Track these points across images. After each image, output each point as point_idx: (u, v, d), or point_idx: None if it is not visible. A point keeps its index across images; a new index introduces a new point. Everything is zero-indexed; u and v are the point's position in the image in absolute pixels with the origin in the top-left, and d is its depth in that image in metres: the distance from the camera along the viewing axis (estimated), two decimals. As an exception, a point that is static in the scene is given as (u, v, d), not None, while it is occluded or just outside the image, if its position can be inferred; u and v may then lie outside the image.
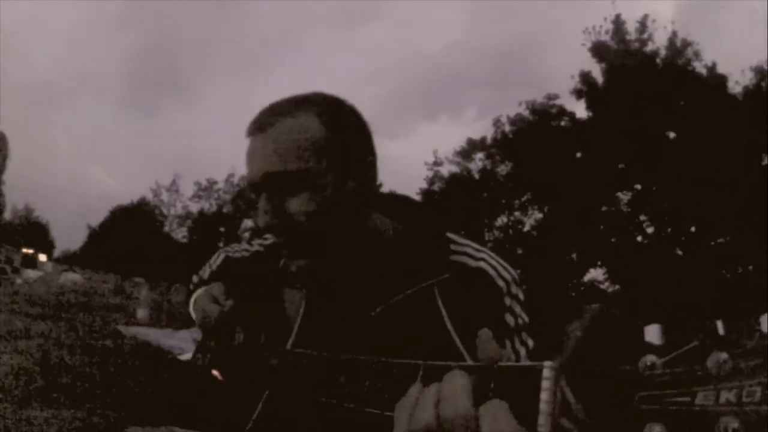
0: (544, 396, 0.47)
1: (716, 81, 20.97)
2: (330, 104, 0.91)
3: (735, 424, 0.37)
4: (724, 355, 0.39)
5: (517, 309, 0.92)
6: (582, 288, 23.56)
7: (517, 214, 26.44)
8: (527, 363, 0.54)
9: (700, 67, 21.89)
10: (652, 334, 0.48)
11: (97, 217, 41.24)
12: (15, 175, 6.97)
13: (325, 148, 0.87)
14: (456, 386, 0.53)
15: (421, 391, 0.56)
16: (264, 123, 0.89)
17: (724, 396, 0.38)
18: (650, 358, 0.43)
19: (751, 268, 18.93)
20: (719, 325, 0.43)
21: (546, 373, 0.48)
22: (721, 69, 21.41)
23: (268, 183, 0.87)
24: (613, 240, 22.56)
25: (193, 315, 1.00)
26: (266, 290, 0.98)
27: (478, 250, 0.95)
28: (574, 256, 23.72)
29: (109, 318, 6.53)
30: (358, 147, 0.91)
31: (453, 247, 0.94)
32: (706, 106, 19.59)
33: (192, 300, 1.02)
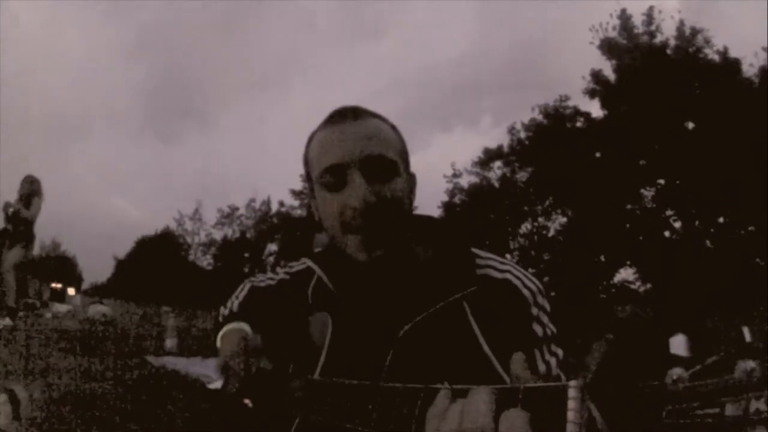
0: (571, 416, 0.47)
1: (730, 66, 20.71)
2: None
3: None
4: (751, 364, 0.38)
5: (545, 319, 0.92)
6: (613, 290, 23.23)
7: (540, 219, 26.29)
8: (552, 383, 0.53)
9: (712, 54, 21.68)
10: (678, 345, 0.47)
11: (123, 248, 42.00)
12: (42, 211, 7.15)
13: (402, 153, 0.95)
14: (478, 401, 0.54)
15: (449, 398, 0.58)
16: (354, 113, 0.93)
17: (754, 405, 0.37)
18: (677, 371, 0.43)
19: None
20: (746, 331, 0.41)
21: (572, 392, 0.47)
22: (733, 53, 21.18)
23: (367, 164, 0.88)
24: (640, 238, 22.24)
25: (219, 351, 0.98)
26: (293, 318, 0.98)
27: (502, 263, 0.96)
28: (602, 257, 23.43)
29: (138, 348, 6.59)
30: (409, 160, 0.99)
31: (478, 261, 0.95)
32: (722, 93, 19.33)
33: (219, 335, 1.00)
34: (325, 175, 0.90)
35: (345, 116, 0.92)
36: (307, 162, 0.98)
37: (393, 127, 0.96)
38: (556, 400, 0.48)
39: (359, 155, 0.87)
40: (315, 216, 0.99)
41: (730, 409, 0.38)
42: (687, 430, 0.40)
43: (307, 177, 0.99)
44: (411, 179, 0.97)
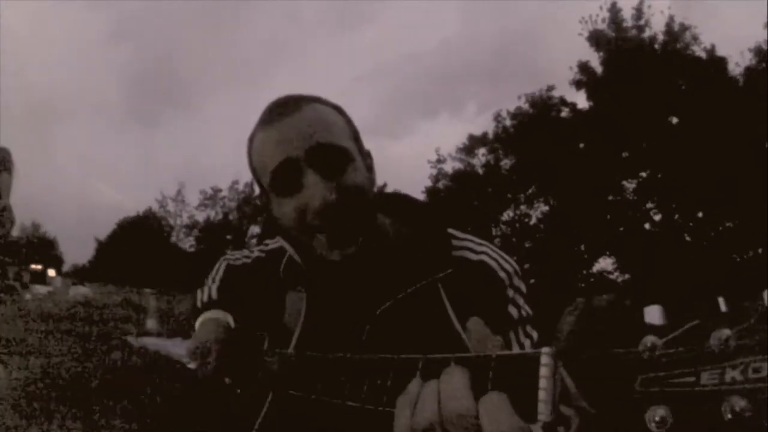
0: (543, 383, 0.46)
1: (716, 64, 20.90)
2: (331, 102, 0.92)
3: (742, 403, 0.34)
4: (727, 332, 0.37)
5: (520, 301, 0.92)
6: (592, 279, 23.49)
7: (523, 207, 26.44)
8: (524, 351, 0.52)
9: (699, 51, 21.84)
10: (653, 314, 0.46)
11: (105, 230, 41.53)
12: (21, 193, 7.05)
13: (349, 133, 0.88)
14: (456, 383, 0.52)
15: (421, 386, 0.55)
16: (290, 105, 0.85)
17: (730, 374, 0.36)
18: (651, 339, 0.41)
19: (760, 251, 18.83)
20: (721, 302, 0.41)
21: (544, 359, 0.46)
22: (720, 51, 21.38)
23: (317, 156, 0.81)
24: (621, 229, 22.49)
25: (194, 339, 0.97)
26: (269, 296, 0.97)
27: (479, 244, 0.95)
28: (582, 247, 23.66)
29: (119, 330, 6.56)
30: (360, 140, 0.92)
31: (454, 242, 0.94)
32: (707, 90, 19.52)
33: (198, 323, 0.98)
34: (275, 180, 0.84)
35: (281, 111, 0.84)
36: (254, 170, 0.91)
37: (336, 108, 0.89)
38: (528, 368, 0.47)
39: (306, 150, 0.81)
40: (278, 222, 0.92)
41: (705, 377, 0.38)
42: (662, 398, 0.39)
43: (258, 184, 0.92)
44: (367, 158, 0.91)
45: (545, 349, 0.47)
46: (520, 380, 0.48)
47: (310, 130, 0.82)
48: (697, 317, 0.40)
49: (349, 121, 0.90)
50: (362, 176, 0.85)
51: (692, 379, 0.38)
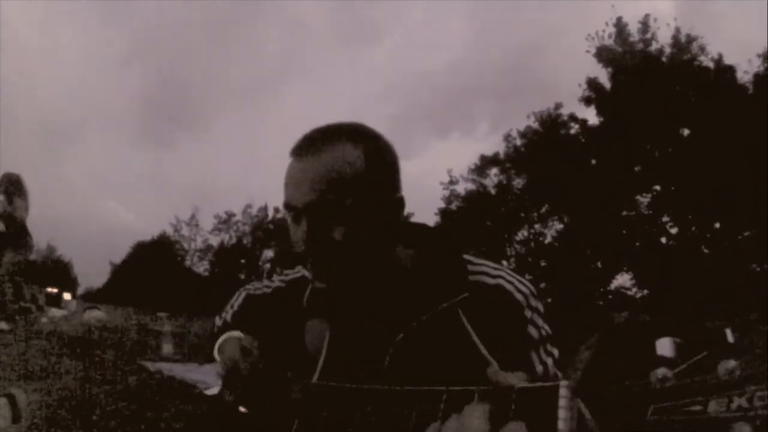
0: (562, 414, 0.49)
1: (725, 72, 20.82)
2: (372, 139, 0.95)
3: (747, 430, 0.36)
4: (733, 363, 0.39)
5: (539, 321, 0.94)
6: (610, 296, 23.23)
7: (537, 226, 26.30)
8: (544, 384, 0.55)
9: (707, 61, 21.78)
10: (664, 347, 0.49)
11: (119, 254, 41.74)
12: (35, 215, 7.14)
13: (366, 182, 0.90)
14: (473, 417, 0.54)
15: (441, 428, 0.57)
16: (309, 148, 0.91)
17: (736, 402, 0.38)
18: (662, 371, 0.44)
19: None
20: (728, 333, 0.43)
21: (562, 392, 0.50)
22: (728, 59, 21.30)
23: (312, 210, 0.89)
24: (637, 244, 22.28)
25: (218, 359, 1.00)
26: (289, 325, 1.00)
27: (495, 268, 0.97)
28: (598, 264, 23.45)
29: (134, 354, 6.57)
30: (391, 184, 0.95)
31: (470, 267, 0.96)
32: (717, 99, 19.44)
33: (218, 344, 1.01)
34: (287, 209, 0.94)
35: (304, 150, 0.92)
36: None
37: (366, 148, 0.92)
38: (547, 399, 0.50)
39: (306, 201, 0.89)
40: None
41: (713, 406, 0.40)
42: (673, 426, 0.41)
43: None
44: (387, 205, 0.94)
45: (563, 382, 0.50)
46: (540, 411, 0.51)
47: (316, 183, 0.89)
48: (705, 348, 0.42)
49: (374, 164, 0.92)
50: (354, 229, 0.90)
51: (701, 407, 0.40)
